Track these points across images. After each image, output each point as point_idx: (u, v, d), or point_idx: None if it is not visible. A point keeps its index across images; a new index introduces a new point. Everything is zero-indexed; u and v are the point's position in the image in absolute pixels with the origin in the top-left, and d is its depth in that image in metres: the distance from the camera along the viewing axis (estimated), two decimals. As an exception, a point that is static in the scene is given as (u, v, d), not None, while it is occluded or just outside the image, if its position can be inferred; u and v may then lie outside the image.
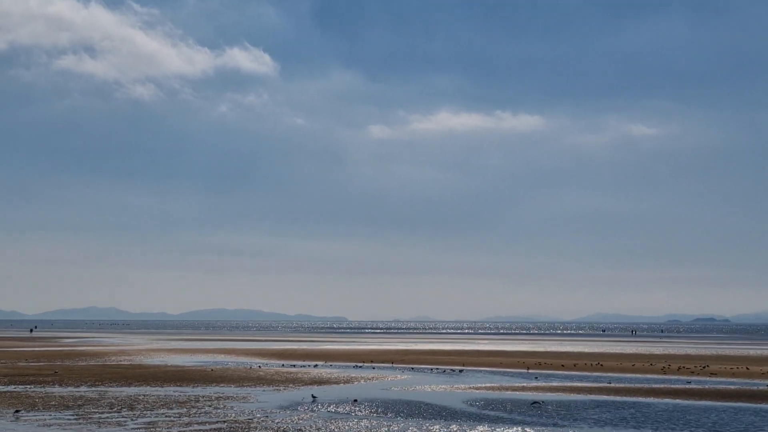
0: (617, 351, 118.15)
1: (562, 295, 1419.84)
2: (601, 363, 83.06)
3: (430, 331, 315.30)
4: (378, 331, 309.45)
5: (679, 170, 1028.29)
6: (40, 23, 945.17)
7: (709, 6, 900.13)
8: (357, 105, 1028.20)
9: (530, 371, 72.20)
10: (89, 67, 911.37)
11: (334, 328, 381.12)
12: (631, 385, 57.90)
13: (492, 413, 41.01)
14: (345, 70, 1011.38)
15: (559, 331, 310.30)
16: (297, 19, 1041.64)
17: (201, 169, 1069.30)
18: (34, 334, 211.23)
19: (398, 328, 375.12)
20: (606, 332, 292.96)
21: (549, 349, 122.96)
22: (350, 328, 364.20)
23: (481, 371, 72.22)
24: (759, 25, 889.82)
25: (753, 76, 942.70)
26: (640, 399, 48.37)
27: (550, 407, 43.54)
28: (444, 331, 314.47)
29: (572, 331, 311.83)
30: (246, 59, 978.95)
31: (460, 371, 71.76)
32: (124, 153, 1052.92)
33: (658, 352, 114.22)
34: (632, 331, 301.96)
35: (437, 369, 74.31)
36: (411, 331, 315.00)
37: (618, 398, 48.65)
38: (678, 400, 47.81)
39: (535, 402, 45.46)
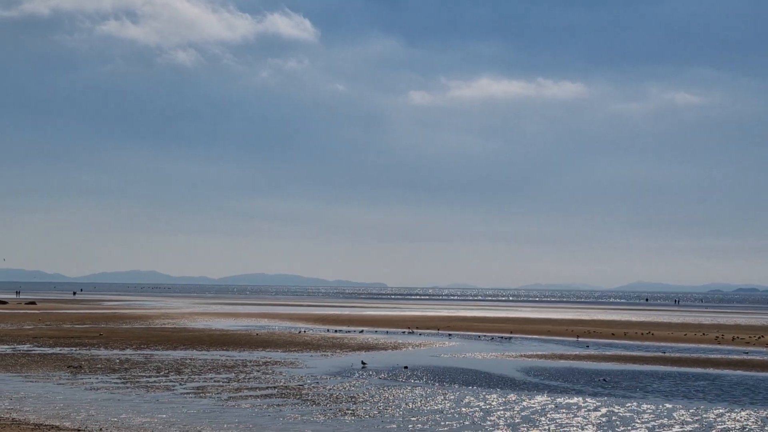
0: (665, 320, 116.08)
1: (601, 263, 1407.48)
2: (651, 332, 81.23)
3: (470, 297, 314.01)
4: (418, 297, 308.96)
5: (722, 139, 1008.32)
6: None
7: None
8: (397, 71, 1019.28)
9: (580, 339, 70.70)
10: (131, 33, 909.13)
11: (374, 293, 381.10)
12: (688, 356, 56.18)
13: (551, 382, 39.62)
14: (385, 36, 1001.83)
15: (601, 299, 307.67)
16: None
17: (242, 135, 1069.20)
18: (77, 296, 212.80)
19: (439, 295, 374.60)
20: (649, 301, 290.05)
21: (595, 317, 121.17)
22: (390, 294, 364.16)
23: (529, 339, 70.83)
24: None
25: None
26: (701, 370, 46.75)
27: (609, 377, 42.14)
28: (485, 297, 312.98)
29: (615, 300, 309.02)
30: (287, 25, 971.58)
31: (509, 338, 70.40)
32: (166, 118, 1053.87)
33: (706, 322, 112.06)
34: (675, 301, 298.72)
35: (484, 336, 73.02)
36: (452, 297, 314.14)
37: (680, 369, 47.04)
38: (741, 372, 46.16)
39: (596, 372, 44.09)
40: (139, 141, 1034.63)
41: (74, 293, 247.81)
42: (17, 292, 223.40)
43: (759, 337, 75.11)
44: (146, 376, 38.70)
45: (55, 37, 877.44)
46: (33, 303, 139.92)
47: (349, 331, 75.51)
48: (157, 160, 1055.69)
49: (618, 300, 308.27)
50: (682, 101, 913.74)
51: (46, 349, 52.27)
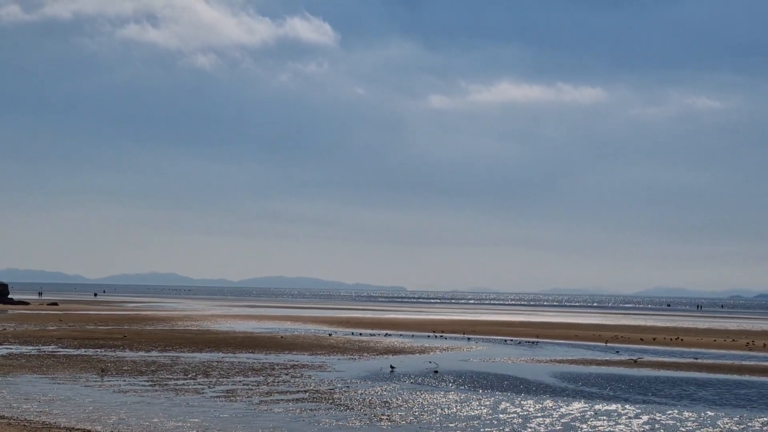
0: (690, 326, 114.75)
1: (621, 268, 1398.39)
2: (680, 338, 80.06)
3: (491, 301, 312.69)
4: (439, 300, 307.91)
5: (743, 144, 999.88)
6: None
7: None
8: (417, 75, 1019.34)
9: (608, 344, 69.65)
10: (152, 36, 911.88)
11: (394, 297, 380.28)
12: (723, 362, 55.12)
13: (586, 389, 38.74)
14: (405, 40, 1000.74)
15: (622, 305, 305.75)
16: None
17: (262, 138, 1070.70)
18: (99, 297, 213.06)
19: (459, 299, 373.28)
20: (671, 306, 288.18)
21: (620, 323, 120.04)
22: (412, 298, 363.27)
23: (556, 344, 69.85)
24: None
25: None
26: (738, 377, 45.77)
27: (644, 383, 41.25)
28: (505, 302, 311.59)
29: (636, 305, 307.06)
30: (307, 29, 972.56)
31: (536, 343, 69.51)
32: (186, 121, 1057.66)
33: (733, 328, 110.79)
34: (698, 306, 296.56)
35: (511, 340, 72.15)
36: (473, 301, 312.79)
37: (718, 376, 46.01)
38: (779, 379, 45.16)
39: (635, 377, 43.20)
40: (160, 144, 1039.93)
41: (95, 294, 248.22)
42: (39, 293, 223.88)
43: (791, 344, 73.86)
44: (174, 379, 38.08)
45: (76, 41, 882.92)
46: (55, 304, 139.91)
47: (373, 335, 74.80)
48: (177, 162, 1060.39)
49: (639, 305, 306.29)
50: (703, 106, 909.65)
51: (71, 350, 51.76)
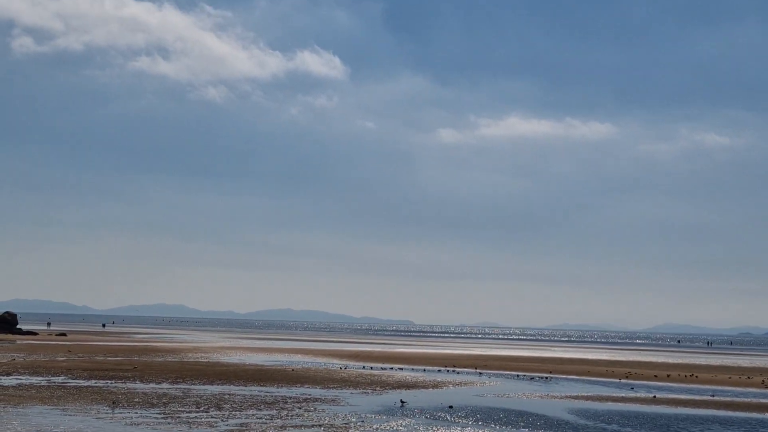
0: (702, 362, 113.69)
1: (630, 304, 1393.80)
2: (695, 374, 79.17)
3: (500, 336, 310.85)
4: (448, 335, 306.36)
5: (752, 180, 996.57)
6: (115, 25, 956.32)
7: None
8: (426, 109, 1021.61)
9: (623, 381, 68.84)
10: (163, 69, 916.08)
11: (403, 331, 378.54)
12: (741, 400, 54.26)
13: (605, 426, 38.02)
14: (415, 74, 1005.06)
15: (632, 341, 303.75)
16: (367, 22, 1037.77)
17: (271, 170, 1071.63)
18: (107, 328, 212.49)
19: (468, 333, 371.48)
20: (681, 343, 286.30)
21: (631, 359, 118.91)
22: (420, 332, 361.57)
23: (570, 379, 69.06)
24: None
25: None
26: (758, 415, 44.94)
27: (665, 421, 40.51)
28: (515, 337, 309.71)
29: (645, 341, 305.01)
30: (317, 63, 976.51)
31: (549, 379, 68.76)
32: (196, 153, 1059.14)
33: (746, 365, 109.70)
34: (708, 343, 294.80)
35: (523, 375, 71.36)
36: (481, 336, 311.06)
37: (738, 414, 45.22)
38: (800, 418, 44.34)
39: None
40: (169, 175, 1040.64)
41: (103, 325, 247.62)
42: (48, 324, 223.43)
43: (807, 382, 72.90)
44: (186, 412, 37.51)
45: (88, 72, 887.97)
46: (63, 334, 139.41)
47: (384, 368, 74.03)
48: (186, 194, 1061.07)
49: (649, 341, 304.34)
50: (712, 142, 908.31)
51: (81, 381, 51.23)
